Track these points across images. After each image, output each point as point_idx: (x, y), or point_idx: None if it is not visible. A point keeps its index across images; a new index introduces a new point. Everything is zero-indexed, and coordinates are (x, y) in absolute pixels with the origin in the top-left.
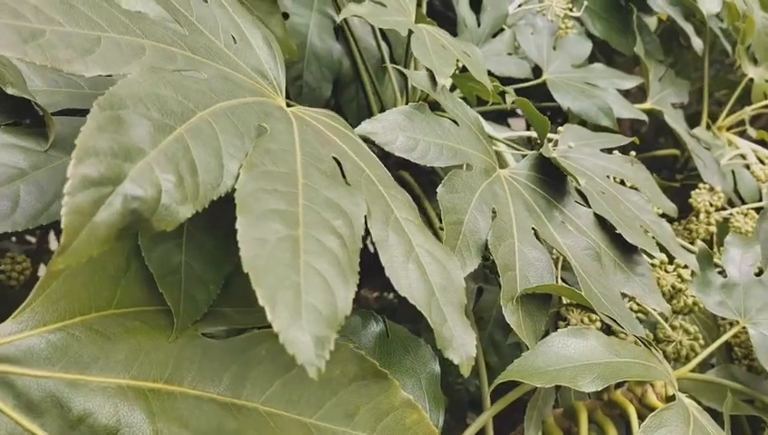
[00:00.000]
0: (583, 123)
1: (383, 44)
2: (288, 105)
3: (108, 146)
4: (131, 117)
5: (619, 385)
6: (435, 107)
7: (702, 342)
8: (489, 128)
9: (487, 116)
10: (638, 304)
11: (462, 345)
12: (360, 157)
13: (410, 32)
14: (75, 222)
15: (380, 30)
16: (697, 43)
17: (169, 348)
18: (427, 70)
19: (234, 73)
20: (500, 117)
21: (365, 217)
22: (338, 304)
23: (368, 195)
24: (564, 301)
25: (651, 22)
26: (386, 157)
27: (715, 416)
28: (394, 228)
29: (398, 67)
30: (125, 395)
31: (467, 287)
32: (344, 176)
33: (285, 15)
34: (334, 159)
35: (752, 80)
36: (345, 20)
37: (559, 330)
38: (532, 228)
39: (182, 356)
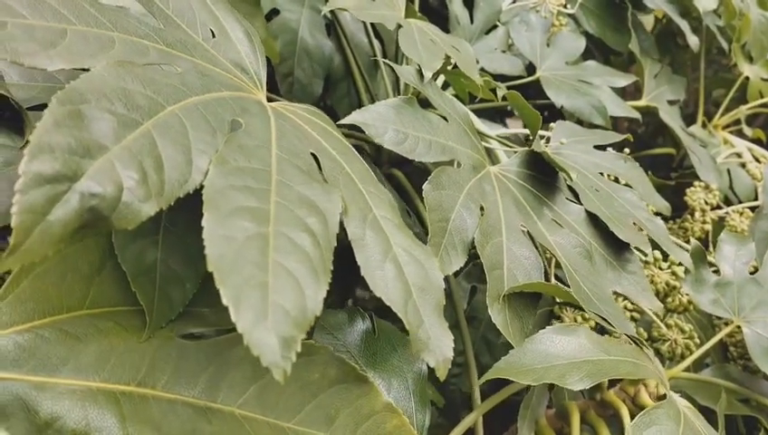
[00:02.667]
0: (580, 121)
1: (375, 41)
2: (272, 100)
3: (65, 142)
4: (93, 112)
5: (612, 385)
6: (426, 104)
7: (697, 340)
8: (482, 125)
9: (484, 114)
10: (632, 303)
11: (438, 347)
12: (340, 153)
13: (398, 26)
14: (27, 221)
15: (372, 27)
16: (693, 41)
17: (143, 350)
18: (416, 65)
19: (210, 68)
20: (497, 116)
21: (341, 214)
22: (307, 303)
23: (345, 192)
24: (558, 299)
25: (647, 20)
26: (379, 154)
27: (710, 415)
28: (372, 226)
29: (388, 62)
30: (95, 398)
31: (461, 287)
32: (322, 172)
33: (276, 12)
34: (312, 155)
35: (748, 78)
36: (336, 16)
37: (547, 327)
38: (522, 226)
39: (156, 358)
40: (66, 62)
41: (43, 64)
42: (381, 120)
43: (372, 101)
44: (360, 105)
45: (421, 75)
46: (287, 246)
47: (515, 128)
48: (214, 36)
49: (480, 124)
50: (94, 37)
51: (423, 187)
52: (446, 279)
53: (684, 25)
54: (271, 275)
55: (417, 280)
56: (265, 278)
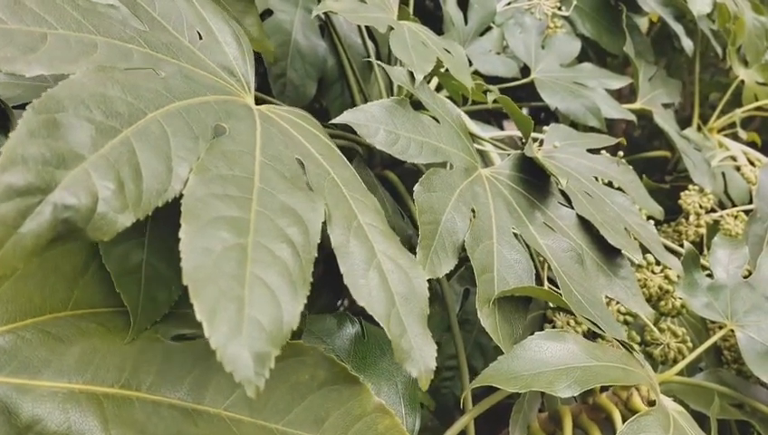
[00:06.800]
0: (574, 124)
1: (369, 42)
2: (263, 102)
3: (39, 152)
4: (70, 120)
5: (604, 389)
6: (419, 106)
7: (690, 344)
8: (476, 127)
9: (479, 116)
10: (625, 307)
11: (422, 358)
12: (326, 158)
13: (390, 28)
14: None
15: (366, 28)
16: (687, 44)
17: (127, 351)
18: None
19: (196, 71)
20: (493, 118)
21: (324, 222)
22: (284, 317)
23: (330, 198)
24: (550, 304)
25: (642, 23)
26: (371, 156)
27: (703, 420)
28: (356, 234)
29: (381, 63)
30: (77, 400)
31: (454, 290)
32: (307, 178)
33: (270, 12)
34: (298, 160)
35: (743, 82)
36: (329, 17)
37: (536, 333)
38: (513, 229)
39: (140, 360)
40: (46, 67)
41: (21, 70)
42: (373, 120)
43: (366, 102)
44: (354, 106)
45: (413, 77)
46: (266, 258)
47: (512, 129)
48: (201, 38)
49: (473, 126)
50: (76, 41)
51: (414, 188)
52: (439, 282)
53: (678, 29)
54: (247, 289)
55: (400, 288)
56: (242, 292)
